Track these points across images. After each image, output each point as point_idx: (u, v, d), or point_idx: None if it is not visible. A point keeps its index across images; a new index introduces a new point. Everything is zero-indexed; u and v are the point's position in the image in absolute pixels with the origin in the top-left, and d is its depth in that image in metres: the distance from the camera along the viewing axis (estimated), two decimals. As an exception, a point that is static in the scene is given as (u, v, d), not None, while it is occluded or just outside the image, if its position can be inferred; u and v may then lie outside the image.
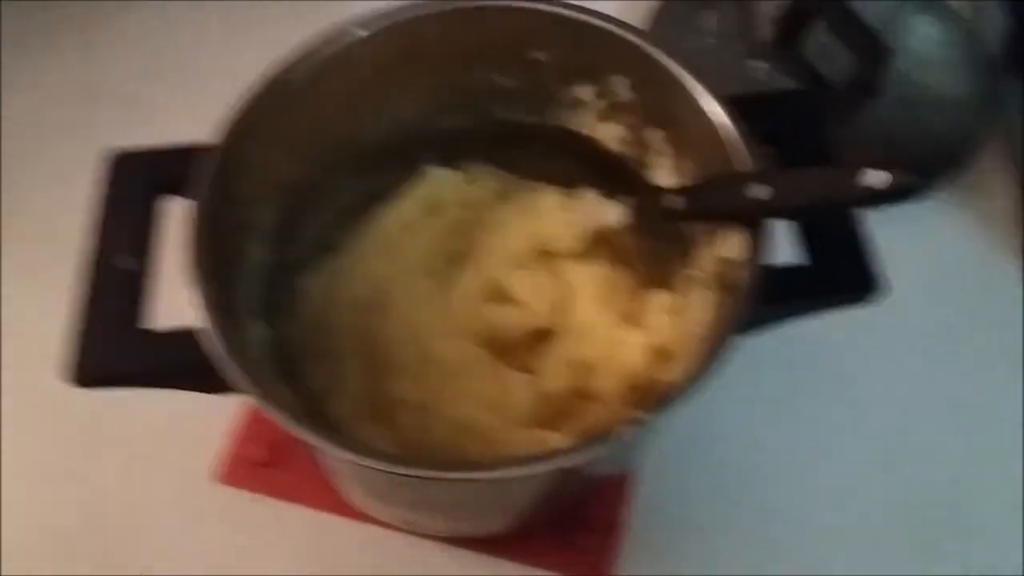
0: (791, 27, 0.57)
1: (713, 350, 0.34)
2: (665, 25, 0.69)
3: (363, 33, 0.42)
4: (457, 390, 0.45)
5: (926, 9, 0.66)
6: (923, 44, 0.64)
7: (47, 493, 0.53)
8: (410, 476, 0.33)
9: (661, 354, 0.46)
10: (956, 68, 0.63)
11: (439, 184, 0.51)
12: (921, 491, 0.54)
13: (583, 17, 0.43)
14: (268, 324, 0.43)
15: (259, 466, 0.53)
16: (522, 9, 0.43)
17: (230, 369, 0.33)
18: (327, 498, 0.52)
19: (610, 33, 0.43)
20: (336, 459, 0.33)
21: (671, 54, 0.42)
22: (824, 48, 0.58)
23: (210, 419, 0.54)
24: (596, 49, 0.43)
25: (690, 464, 0.55)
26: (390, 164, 0.50)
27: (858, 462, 0.55)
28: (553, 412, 0.46)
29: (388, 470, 0.32)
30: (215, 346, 0.34)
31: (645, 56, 0.42)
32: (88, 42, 0.72)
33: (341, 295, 0.48)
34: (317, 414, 0.45)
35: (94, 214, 0.40)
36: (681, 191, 0.43)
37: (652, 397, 0.44)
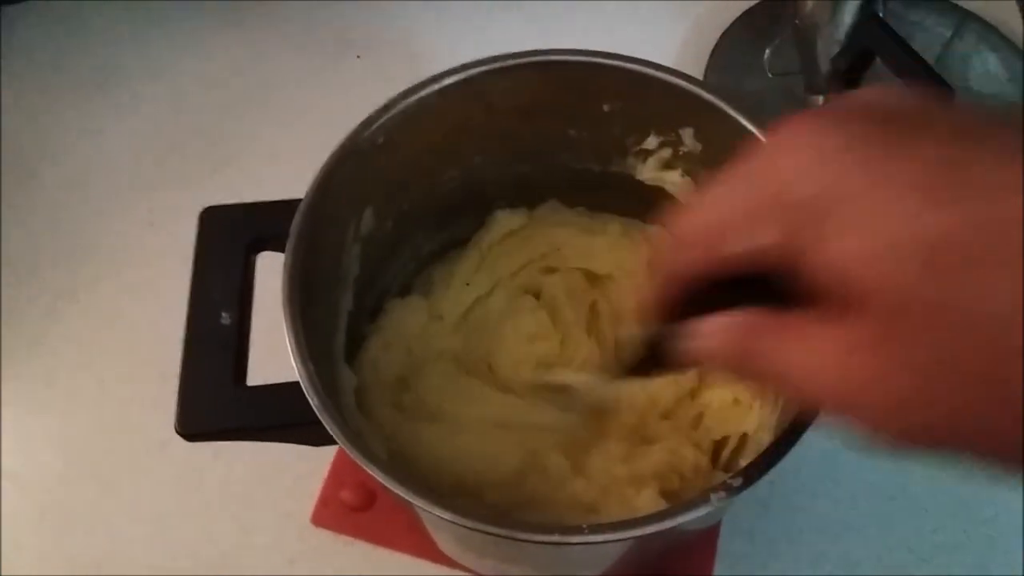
0: (851, 65, 0.57)
1: (804, 413, 0.34)
2: (725, 65, 0.70)
3: (438, 89, 0.44)
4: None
5: (987, 46, 0.66)
6: (984, 81, 0.64)
7: (151, 533, 0.54)
8: (502, 537, 0.33)
9: (737, 404, 0.46)
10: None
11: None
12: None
13: (646, 70, 0.44)
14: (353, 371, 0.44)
15: (353, 510, 0.53)
16: (588, 63, 0.44)
17: (328, 423, 0.34)
18: (420, 544, 0.52)
19: (672, 85, 0.43)
20: (429, 515, 0.34)
21: (732, 103, 0.42)
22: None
23: (309, 463, 0.55)
24: (660, 100, 0.44)
25: (776, 515, 0.54)
26: (466, 212, 0.51)
27: (954, 519, 0.53)
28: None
29: (481, 529, 0.32)
30: (313, 399, 0.35)
31: (708, 105, 0.43)
32: (175, 94, 0.73)
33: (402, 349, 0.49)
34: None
35: (194, 269, 0.41)
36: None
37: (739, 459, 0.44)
